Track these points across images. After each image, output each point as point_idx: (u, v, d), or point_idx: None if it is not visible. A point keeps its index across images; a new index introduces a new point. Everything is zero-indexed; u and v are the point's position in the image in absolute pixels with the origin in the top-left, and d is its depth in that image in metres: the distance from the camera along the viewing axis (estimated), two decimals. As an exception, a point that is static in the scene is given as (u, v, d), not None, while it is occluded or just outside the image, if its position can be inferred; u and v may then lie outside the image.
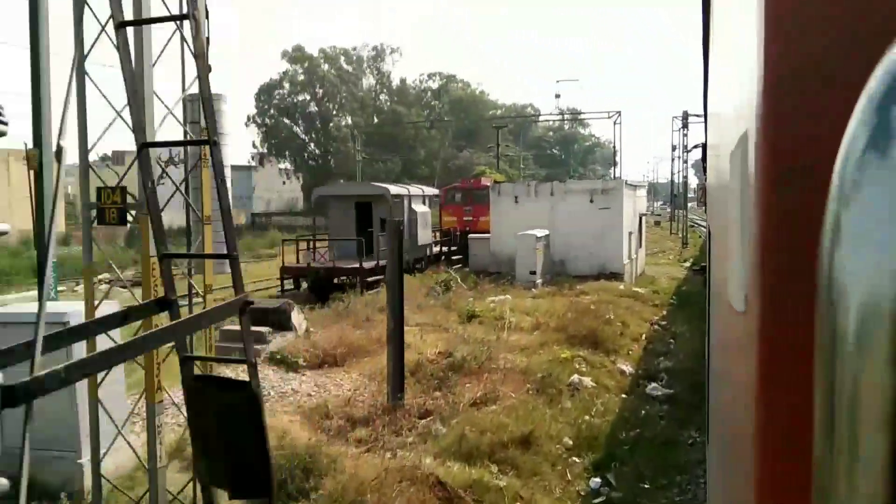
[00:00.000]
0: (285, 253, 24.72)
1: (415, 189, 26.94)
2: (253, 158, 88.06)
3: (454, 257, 31.01)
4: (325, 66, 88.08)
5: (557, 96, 43.54)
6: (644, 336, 16.53)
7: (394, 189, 25.03)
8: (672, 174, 55.03)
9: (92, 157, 5.68)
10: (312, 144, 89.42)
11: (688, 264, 35.49)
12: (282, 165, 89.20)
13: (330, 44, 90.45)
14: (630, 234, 27.14)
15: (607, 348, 13.93)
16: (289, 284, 23.88)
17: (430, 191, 29.04)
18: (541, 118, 46.82)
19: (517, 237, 23.47)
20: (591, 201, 25.57)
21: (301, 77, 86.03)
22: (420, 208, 26.40)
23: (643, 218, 30.55)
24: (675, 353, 15.39)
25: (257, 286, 25.42)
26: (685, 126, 43.04)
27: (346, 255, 23.91)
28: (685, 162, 43.95)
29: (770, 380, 0.85)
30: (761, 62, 0.84)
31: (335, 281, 23.28)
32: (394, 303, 10.48)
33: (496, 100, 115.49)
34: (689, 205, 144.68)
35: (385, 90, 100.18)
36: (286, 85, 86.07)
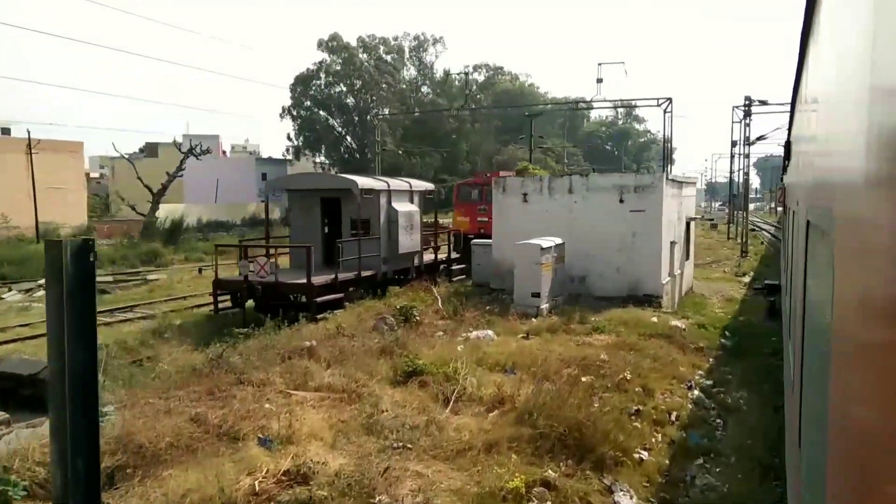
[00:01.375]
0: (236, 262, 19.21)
1: (397, 183, 21.11)
2: (288, 151, 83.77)
3: (455, 266, 25.11)
4: (363, 56, 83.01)
5: (599, 81, 37.59)
6: (675, 415, 10.38)
7: (364, 182, 19.28)
8: (731, 171, 47.86)
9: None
10: (349, 137, 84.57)
11: (747, 279, 28.72)
12: (318, 159, 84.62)
13: (369, 32, 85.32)
14: (673, 244, 20.79)
15: (601, 457, 7.90)
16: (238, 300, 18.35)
17: (421, 185, 23.08)
18: (580, 105, 40.41)
19: (515, 248, 17.49)
20: (621, 201, 19.34)
21: (337, 67, 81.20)
22: (403, 206, 20.61)
23: (692, 224, 24.09)
24: (725, 453, 9.24)
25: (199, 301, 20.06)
26: (747, 115, 36.09)
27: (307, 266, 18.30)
28: (746, 157, 37.04)
29: None
30: None
31: (292, 298, 17.67)
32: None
33: (545, 92, 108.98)
34: (751, 206, 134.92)
35: (427, 82, 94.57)
36: (322, 75, 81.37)
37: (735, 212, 48.27)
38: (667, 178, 19.43)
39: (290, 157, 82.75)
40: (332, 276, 17.53)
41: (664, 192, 19.10)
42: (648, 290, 19.18)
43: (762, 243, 45.94)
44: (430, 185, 23.63)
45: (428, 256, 23.27)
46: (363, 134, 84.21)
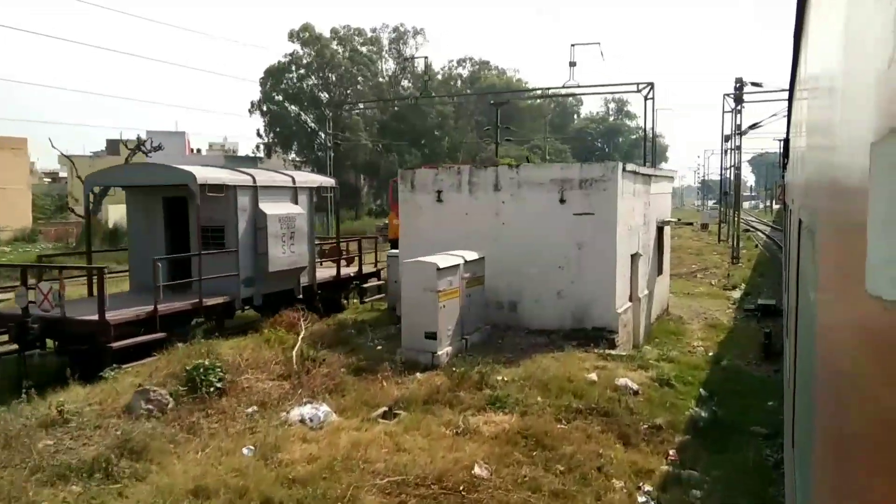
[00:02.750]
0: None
1: (270, 176, 15.65)
2: (258, 148, 78.38)
3: (373, 283, 19.73)
4: (338, 48, 77.59)
5: (573, 64, 32.63)
6: None
7: (208, 174, 13.83)
8: (723, 167, 42.43)
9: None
10: (322, 134, 79.07)
11: (737, 293, 23.34)
12: (290, 157, 79.23)
13: (344, 23, 79.68)
14: (635, 257, 15.44)
15: None
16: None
17: (311, 179, 17.49)
18: (550, 91, 35.07)
19: (402, 269, 12.12)
20: (563, 201, 13.97)
21: (308, 60, 75.78)
22: (279, 207, 15.17)
23: (666, 229, 18.66)
24: None
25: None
26: (738, 101, 30.70)
27: (148, 289, 12.96)
28: (737, 149, 31.54)
29: None
30: None
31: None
32: None
33: (533, 87, 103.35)
34: (745, 204, 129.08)
35: (409, 76, 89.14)
36: (293, 68, 75.94)
37: (728, 210, 42.85)
38: (624, 170, 14.02)
39: (261, 154, 77.45)
40: (148, 307, 12.14)
41: (620, 189, 13.72)
42: (599, 322, 13.82)
43: (756, 246, 40.53)
44: (326, 180, 18.04)
45: (330, 272, 17.87)
46: (337, 129, 78.84)
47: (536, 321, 14.23)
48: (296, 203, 16.00)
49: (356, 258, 18.99)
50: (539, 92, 39.79)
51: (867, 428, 1.14)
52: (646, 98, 35.00)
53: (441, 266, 11.67)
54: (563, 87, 35.91)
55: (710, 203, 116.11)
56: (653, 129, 34.96)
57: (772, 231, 52.96)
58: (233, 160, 67.13)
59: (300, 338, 12.59)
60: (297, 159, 78.89)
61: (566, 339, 13.49)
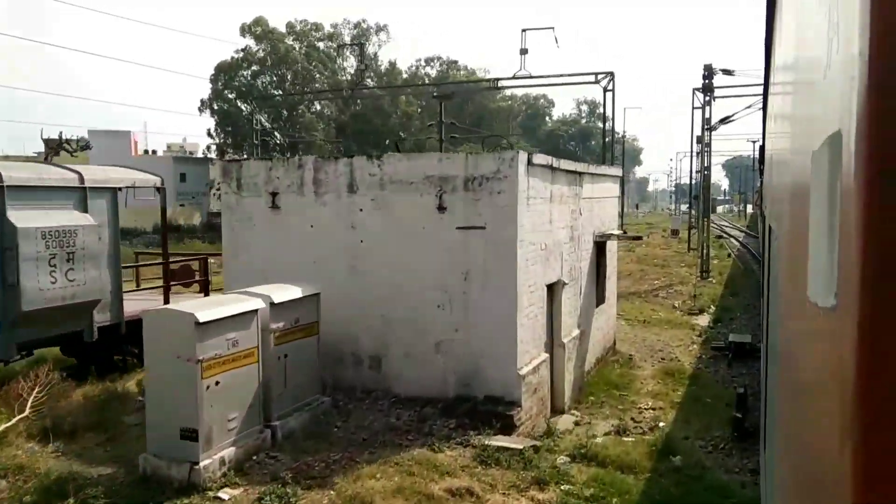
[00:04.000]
0: None
1: (29, 170, 10.68)
2: (209, 149, 73.24)
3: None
4: (293, 43, 72.64)
5: (524, 52, 28.55)
6: None
7: None
8: (692, 169, 38.07)
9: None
10: (277, 133, 74.03)
11: (705, 319, 18.87)
12: (244, 157, 74.05)
13: (301, 17, 74.46)
14: (556, 287, 10.80)
15: None
16: None
17: (113, 176, 12.38)
18: (500, 83, 30.59)
19: (145, 322, 7.36)
20: (442, 208, 9.31)
21: (261, 55, 70.75)
22: (42, 219, 10.30)
23: (610, 245, 13.91)
24: None
25: None
26: (708, 91, 26.23)
27: None
28: (706, 147, 26.98)
29: (870, 375, 0.80)
30: (864, 60, 0.79)
31: None
32: None
33: (503, 88, 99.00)
34: (719, 208, 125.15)
35: (372, 75, 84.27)
36: (245, 65, 70.89)
37: (700, 216, 38.45)
38: (531, 164, 9.33)
39: (213, 155, 72.34)
40: None
41: (524, 191, 9.04)
42: (494, 388, 9.14)
43: (729, 255, 36.21)
44: (143, 177, 12.95)
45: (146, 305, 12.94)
46: (292, 129, 73.85)
47: (408, 384, 9.55)
48: (85, 211, 11.12)
49: (202, 281, 14.14)
50: (487, 84, 35.03)
51: (817, 431, 1.12)
52: (605, 90, 30.52)
53: (208, 318, 6.91)
54: (514, 76, 31.32)
55: (683, 207, 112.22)
56: (612, 123, 30.51)
57: (745, 237, 48.80)
58: (182, 162, 61.25)
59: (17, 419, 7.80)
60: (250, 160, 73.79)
61: (445, 414, 8.86)
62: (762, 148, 11.65)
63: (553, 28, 30.17)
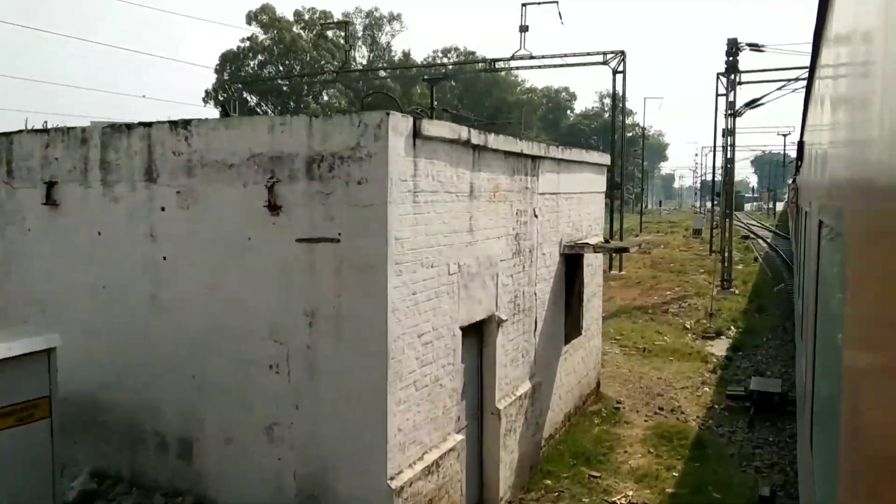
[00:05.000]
0: None
1: None
2: (215, 142, 70.36)
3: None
4: (301, 32, 69.39)
5: (524, 29, 25.37)
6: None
7: None
8: (715, 163, 33.84)
9: None
10: (284, 126, 70.93)
11: (720, 347, 15.00)
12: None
13: (308, 5, 70.95)
14: (485, 328, 7.07)
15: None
16: None
17: None
18: (498, 64, 26.77)
19: None
20: (274, 208, 5.70)
21: (268, 44, 67.60)
22: None
23: (589, 260, 10.02)
24: None
25: None
26: (732, 70, 22.10)
27: None
28: (729, 135, 22.74)
29: None
30: None
31: None
32: None
33: (523, 80, 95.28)
34: (747, 206, 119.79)
35: (384, 64, 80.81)
36: (251, 54, 67.83)
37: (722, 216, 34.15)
38: (419, 134, 5.62)
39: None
40: None
41: (399, 179, 5.35)
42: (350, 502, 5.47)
43: (756, 259, 31.98)
44: None
45: None
46: (299, 122, 70.59)
47: (230, 487, 5.93)
48: None
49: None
50: (483, 66, 31.04)
51: None
52: (615, 71, 26.55)
53: None
54: (513, 57, 27.47)
55: (710, 205, 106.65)
56: (622, 108, 26.57)
57: (775, 239, 44.30)
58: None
59: None
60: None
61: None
62: (801, 143, 10.11)
63: (557, 2, 26.20)
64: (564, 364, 9.45)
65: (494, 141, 6.88)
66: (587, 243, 9.24)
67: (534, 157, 8.06)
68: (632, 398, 11.21)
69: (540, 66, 27.82)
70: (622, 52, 26.20)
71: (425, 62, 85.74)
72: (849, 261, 1.91)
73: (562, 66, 27.30)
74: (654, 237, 47.64)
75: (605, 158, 11.01)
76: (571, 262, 9.53)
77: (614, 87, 26.45)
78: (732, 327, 16.47)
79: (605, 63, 26.43)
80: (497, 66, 28.97)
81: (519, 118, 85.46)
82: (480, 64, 31.34)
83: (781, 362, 13.19)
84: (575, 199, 9.62)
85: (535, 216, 8.15)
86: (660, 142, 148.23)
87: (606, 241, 9.81)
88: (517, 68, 33.20)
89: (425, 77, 30.69)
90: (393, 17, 77.53)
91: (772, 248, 37.01)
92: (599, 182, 10.80)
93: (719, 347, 14.73)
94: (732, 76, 21.82)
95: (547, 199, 8.49)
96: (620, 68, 26.28)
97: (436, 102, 72.81)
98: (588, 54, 26.65)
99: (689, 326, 16.42)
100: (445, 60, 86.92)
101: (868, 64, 1.70)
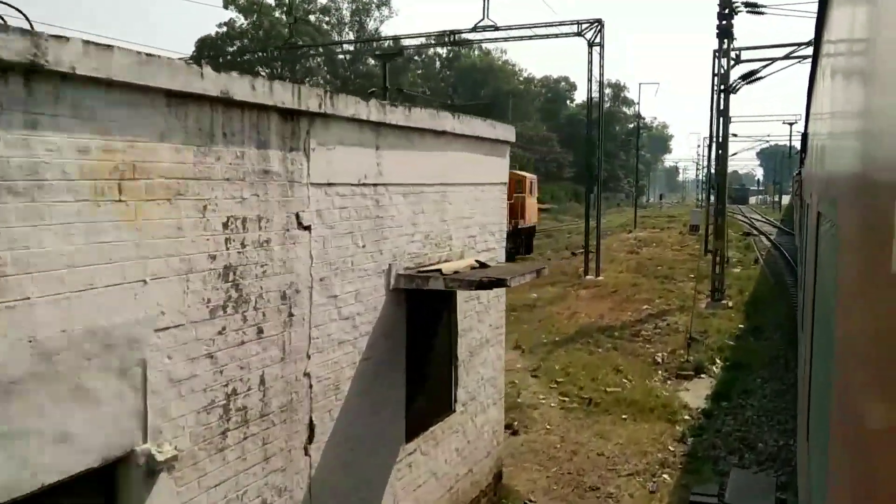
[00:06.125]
0: None
1: None
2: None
3: None
4: (282, 17, 65.40)
5: None
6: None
7: None
8: (711, 149, 29.70)
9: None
10: (265, 116, 67.21)
11: (700, 393, 10.96)
12: (231, 142, 67.47)
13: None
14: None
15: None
16: None
17: None
18: (463, 36, 22.86)
19: None
20: None
21: (247, 28, 63.79)
22: None
23: (462, 299, 6.15)
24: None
25: None
26: (726, 35, 18.05)
27: None
28: (722, 114, 18.71)
29: None
30: None
31: None
32: None
33: (522, 69, 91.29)
34: (752, 199, 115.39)
35: (373, 52, 76.60)
36: (229, 40, 64.04)
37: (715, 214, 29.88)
38: None
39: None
40: None
41: None
42: None
43: (757, 261, 27.90)
44: None
45: None
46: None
47: None
48: None
49: None
50: (434, 39, 27.17)
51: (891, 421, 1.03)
52: (591, 43, 22.47)
53: None
54: (474, 29, 23.45)
55: (713, 199, 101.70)
56: (601, 85, 22.51)
57: (779, 236, 40.13)
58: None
59: None
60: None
61: None
62: (804, 135, 9.62)
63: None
64: (411, 473, 5.54)
65: (194, 79, 2.92)
66: (439, 270, 5.27)
67: (297, 114, 4.11)
68: (550, 495, 7.29)
69: (506, 39, 23.81)
70: (599, 21, 22.12)
71: (416, 48, 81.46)
72: (842, 251, 1.92)
73: (531, 37, 23.25)
74: (648, 233, 43.61)
75: (502, 132, 6.95)
76: (431, 298, 5.61)
77: (590, 62, 22.37)
78: (718, 360, 12.48)
79: (579, 34, 22.38)
80: (458, 38, 24.88)
81: (517, 108, 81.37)
82: (436, 38, 27.12)
83: (780, 423, 9.24)
84: (433, 193, 5.66)
85: (304, 228, 4.21)
86: (663, 133, 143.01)
87: (480, 264, 5.83)
88: (480, 41, 29.07)
89: (377, 52, 26.73)
90: (381, 3, 73.46)
91: (776, 247, 32.88)
92: (493, 168, 6.82)
93: (696, 393, 10.77)
94: (725, 43, 17.72)
95: (344, 194, 4.55)
96: (598, 40, 22.21)
97: (426, 91, 68.14)
98: (561, 23, 22.61)
99: (660, 360, 12.41)
100: (439, 49, 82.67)
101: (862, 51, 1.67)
